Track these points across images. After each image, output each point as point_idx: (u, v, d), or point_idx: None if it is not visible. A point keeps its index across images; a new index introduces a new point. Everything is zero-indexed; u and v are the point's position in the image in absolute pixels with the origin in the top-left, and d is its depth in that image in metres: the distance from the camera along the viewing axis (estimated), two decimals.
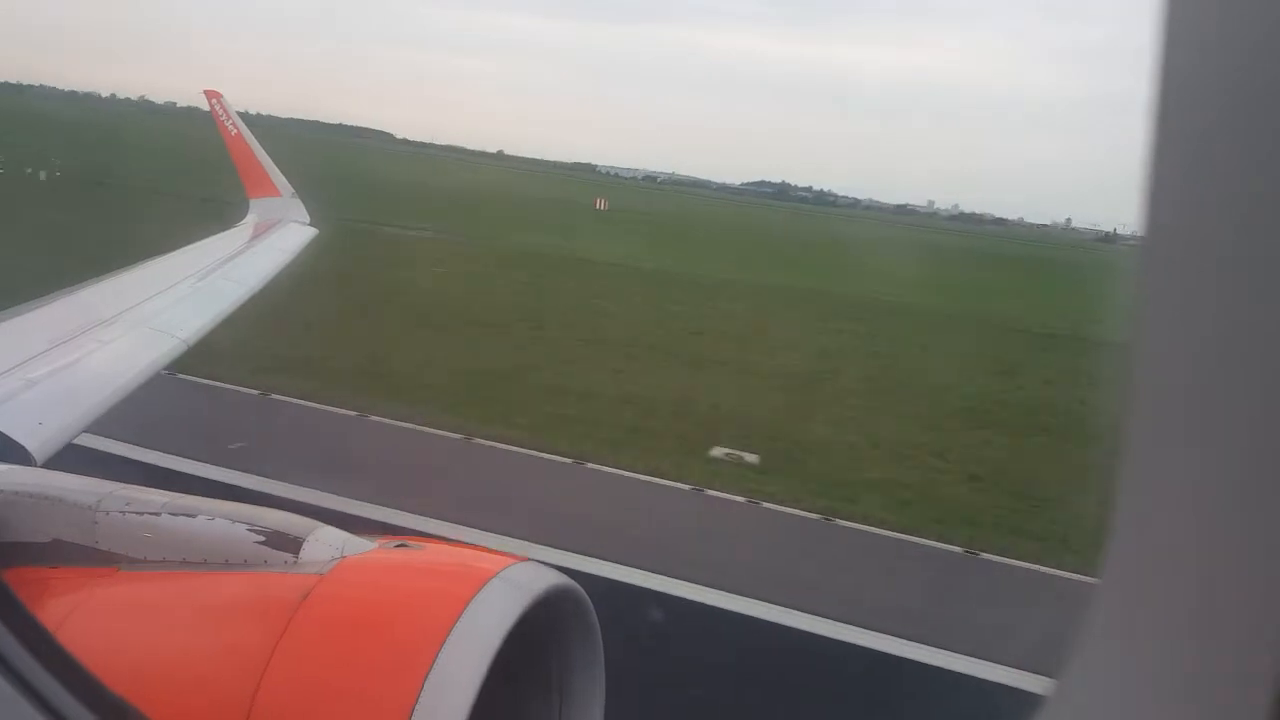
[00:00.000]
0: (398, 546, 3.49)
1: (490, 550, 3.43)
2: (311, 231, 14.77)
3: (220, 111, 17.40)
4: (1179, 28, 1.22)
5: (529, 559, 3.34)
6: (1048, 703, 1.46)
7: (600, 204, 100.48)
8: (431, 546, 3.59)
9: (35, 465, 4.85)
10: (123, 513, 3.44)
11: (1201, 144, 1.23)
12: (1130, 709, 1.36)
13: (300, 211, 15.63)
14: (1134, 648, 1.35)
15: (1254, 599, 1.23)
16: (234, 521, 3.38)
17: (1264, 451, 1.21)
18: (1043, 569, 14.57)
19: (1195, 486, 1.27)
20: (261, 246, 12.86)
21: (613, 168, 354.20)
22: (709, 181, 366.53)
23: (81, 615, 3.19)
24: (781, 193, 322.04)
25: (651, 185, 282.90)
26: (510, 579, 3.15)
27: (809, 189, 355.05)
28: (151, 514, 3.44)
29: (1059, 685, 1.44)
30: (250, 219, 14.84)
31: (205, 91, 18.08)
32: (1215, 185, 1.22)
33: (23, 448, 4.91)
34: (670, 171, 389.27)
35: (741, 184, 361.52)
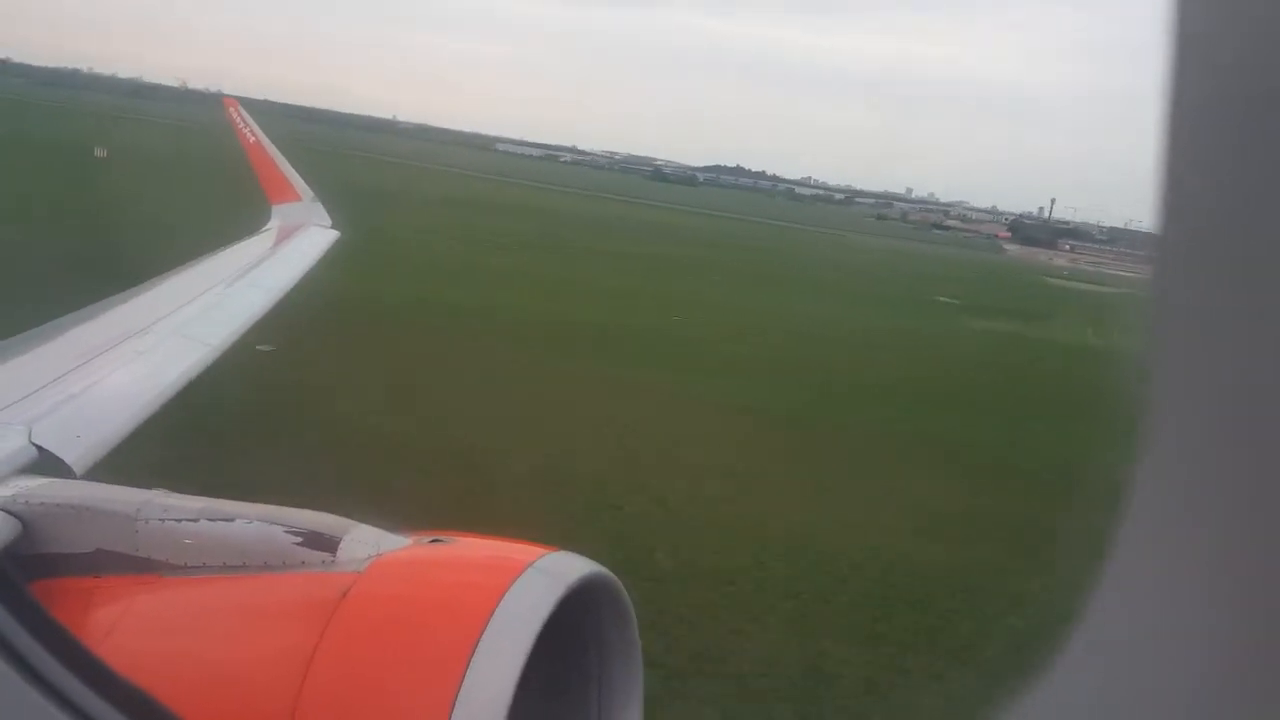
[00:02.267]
0: (432, 542, 3.54)
1: (523, 542, 3.47)
2: (334, 234, 14.97)
3: (239, 119, 17.66)
4: (1191, 22, 1.19)
5: (562, 549, 3.38)
6: (1028, 699, 1.42)
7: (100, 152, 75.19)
8: (465, 540, 3.64)
9: (75, 478, 4.92)
10: (162, 520, 3.50)
11: (1216, 138, 1.21)
12: (1126, 705, 1.33)
13: (322, 215, 15.81)
14: (1137, 653, 1.32)
15: (1271, 606, 1.19)
16: (271, 524, 3.43)
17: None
18: None
19: (1209, 490, 1.24)
20: (286, 251, 13.07)
21: (522, 144, 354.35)
22: (664, 161, 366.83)
23: (128, 623, 3.26)
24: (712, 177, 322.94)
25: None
26: (544, 569, 3.18)
27: (762, 173, 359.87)
28: (190, 520, 3.49)
29: (1045, 684, 1.39)
30: (274, 224, 15.01)
31: (224, 99, 18.70)
32: (1230, 182, 1.20)
33: (62, 461, 5.02)
34: (626, 153, 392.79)
35: (702, 166, 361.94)
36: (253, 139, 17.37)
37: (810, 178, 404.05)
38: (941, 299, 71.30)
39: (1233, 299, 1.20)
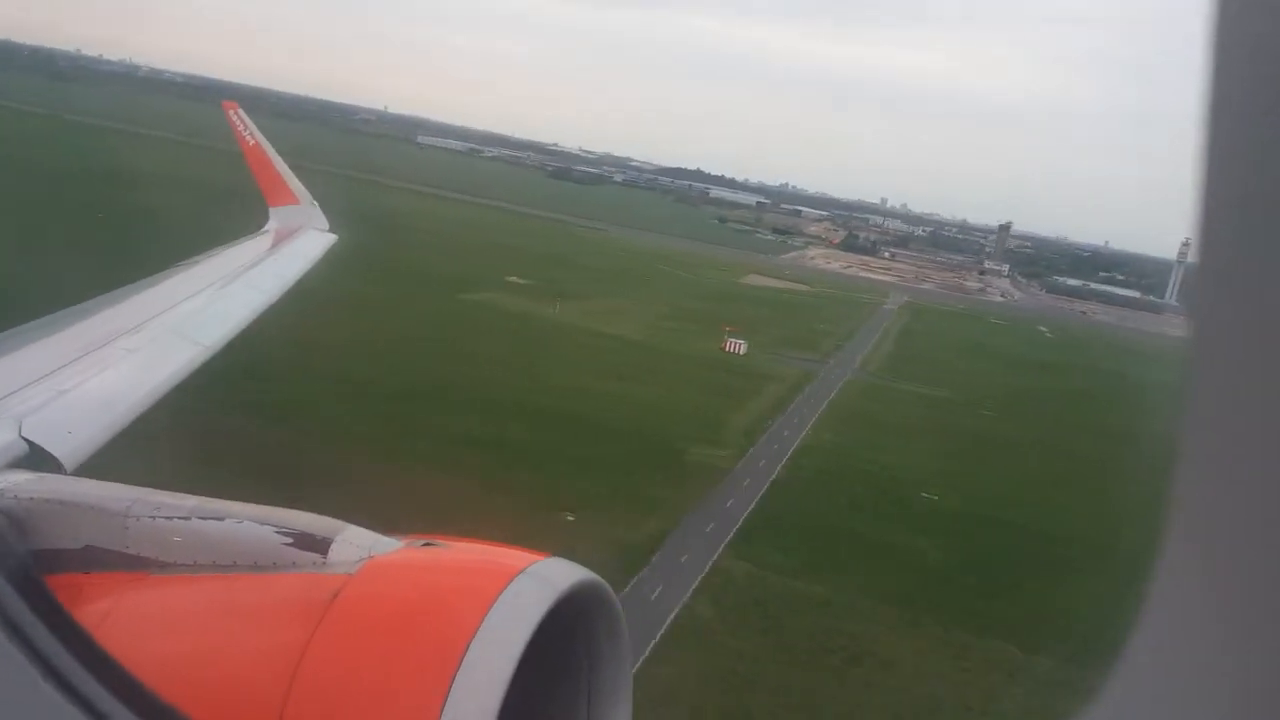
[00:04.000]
0: (425, 545, 3.49)
1: (516, 547, 3.43)
2: (331, 238, 14.85)
3: (238, 123, 17.36)
4: (1231, 38, 1.18)
5: (554, 555, 3.34)
6: (1101, 699, 1.43)
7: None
8: (458, 545, 3.59)
9: (66, 473, 4.87)
10: (153, 518, 3.44)
11: (1255, 153, 1.19)
12: (1188, 710, 1.33)
13: (319, 218, 15.70)
14: (1191, 648, 1.32)
15: None
16: (262, 524, 3.39)
17: None
18: None
19: (1251, 494, 1.23)
20: (283, 253, 12.94)
21: (449, 129, 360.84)
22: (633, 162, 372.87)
23: (116, 619, 3.19)
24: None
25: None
26: (536, 575, 3.14)
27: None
28: (181, 518, 3.44)
29: (1113, 684, 1.41)
30: (271, 226, 14.91)
31: (223, 104, 18.13)
32: (1269, 195, 1.17)
33: (54, 456, 4.95)
34: (603, 152, 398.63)
35: (661, 169, 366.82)
36: (252, 141, 17.10)
37: (789, 184, 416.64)
38: (510, 279, 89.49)
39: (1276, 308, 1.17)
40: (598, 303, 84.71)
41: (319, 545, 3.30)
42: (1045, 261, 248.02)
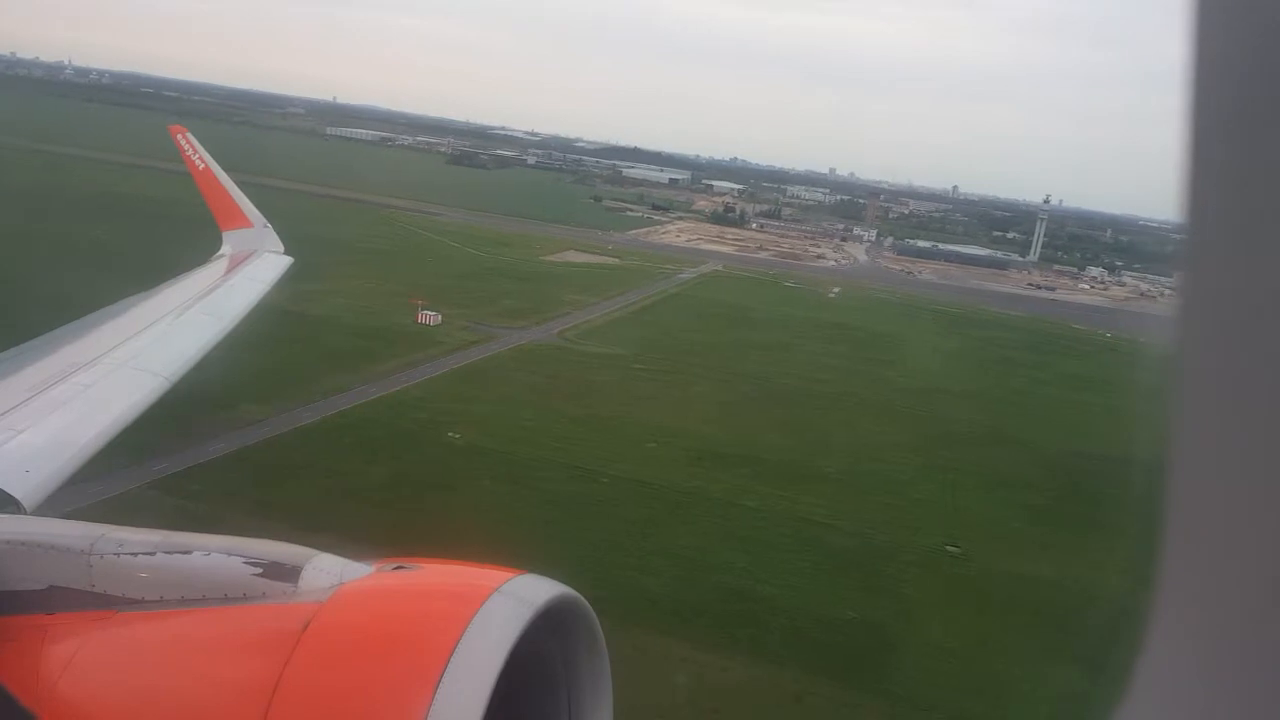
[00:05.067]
0: (395, 568, 3.52)
1: (489, 566, 3.45)
2: (286, 260, 14.40)
3: (186, 147, 16.73)
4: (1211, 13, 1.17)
5: (528, 572, 3.41)
6: (1125, 704, 1.47)
7: None
8: (429, 566, 3.62)
9: (26, 513, 4.90)
10: (117, 554, 3.42)
11: (1242, 128, 1.15)
12: (1207, 709, 1.35)
13: (274, 241, 15.11)
14: (1203, 651, 1.33)
15: None
16: (230, 555, 3.38)
17: None
18: None
19: (1250, 488, 1.20)
20: (238, 278, 12.61)
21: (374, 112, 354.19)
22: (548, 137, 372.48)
23: (83, 660, 3.18)
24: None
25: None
26: (511, 593, 3.18)
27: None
28: (146, 554, 3.42)
29: (1134, 687, 1.45)
30: (226, 251, 14.37)
31: (170, 128, 17.64)
32: (1259, 174, 1.14)
33: (12, 497, 4.92)
34: (550, 134, 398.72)
35: (603, 147, 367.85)
36: (201, 165, 16.36)
37: (737, 159, 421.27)
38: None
39: (1268, 295, 1.14)
40: (331, 284, 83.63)
41: (289, 574, 3.31)
42: (959, 224, 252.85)
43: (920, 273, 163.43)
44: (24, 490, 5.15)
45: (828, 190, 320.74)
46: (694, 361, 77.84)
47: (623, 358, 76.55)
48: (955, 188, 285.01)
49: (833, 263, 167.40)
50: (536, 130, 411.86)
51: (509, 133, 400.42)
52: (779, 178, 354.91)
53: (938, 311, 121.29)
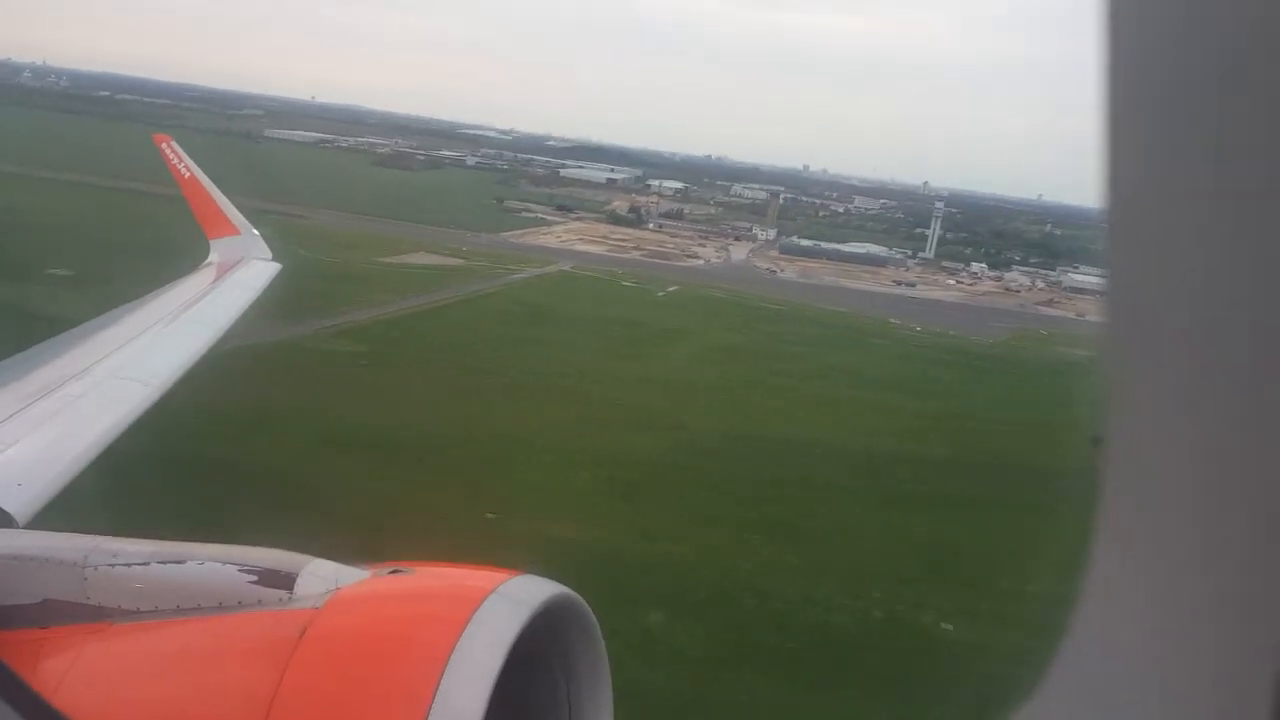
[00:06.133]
0: (391, 572, 3.52)
1: (485, 567, 3.46)
2: (275, 266, 14.20)
3: (171, 155, 16.53)
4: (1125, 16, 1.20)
5: (524, 573, 3.42)
6: (1035, 699, 1.52)
7: None
8: (425, 570, 3.65)
9: (18, 527, 4.92)
10: (110, 566, 3.42)
11: (1160, 117, 1.17)
12: (1120, 709, 1.38)
13: (262, 248, 14.83)
14: (1123, 650, 1.36)
15: (1249, 598, 1.16)
16: (224, 563, 3.38)
17: (1251, 442, 1.13)
18: None
19: (1181, 482, 1.22)
20: (226, 286, 12.56)
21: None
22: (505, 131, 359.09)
23: (79, 673, 3.17)
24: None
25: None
26: (507, 595, 3.20)
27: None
28: (140, 564, 3.42)
29: (1047, 683, 1.49)
30: (213, 259, 14.10)
31: (155, 137, 17.37)
32: (1179, 163, 1.15)
33: (4, 511, 4.95)
34: (525, 133, 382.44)
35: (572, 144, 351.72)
36: (187, 174, 16.16)
37: (711, 156, 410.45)
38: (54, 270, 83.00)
39: (1195, 284, 1.15)
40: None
41: (284, 581, 3.30)
42: (886, 222, 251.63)
43: (783, 271, 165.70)
44: (16, 504, 5.12)
45: (784, 189, 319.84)
46: (438, 358, 79.48)
47: (362, 354, 78.68)
48: (926, 183, 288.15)
49: (702, 262, 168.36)
50: (516, 128, 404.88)
51: (481, 132, 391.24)
52: (749, 176, 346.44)
53: (757, 309, 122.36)
